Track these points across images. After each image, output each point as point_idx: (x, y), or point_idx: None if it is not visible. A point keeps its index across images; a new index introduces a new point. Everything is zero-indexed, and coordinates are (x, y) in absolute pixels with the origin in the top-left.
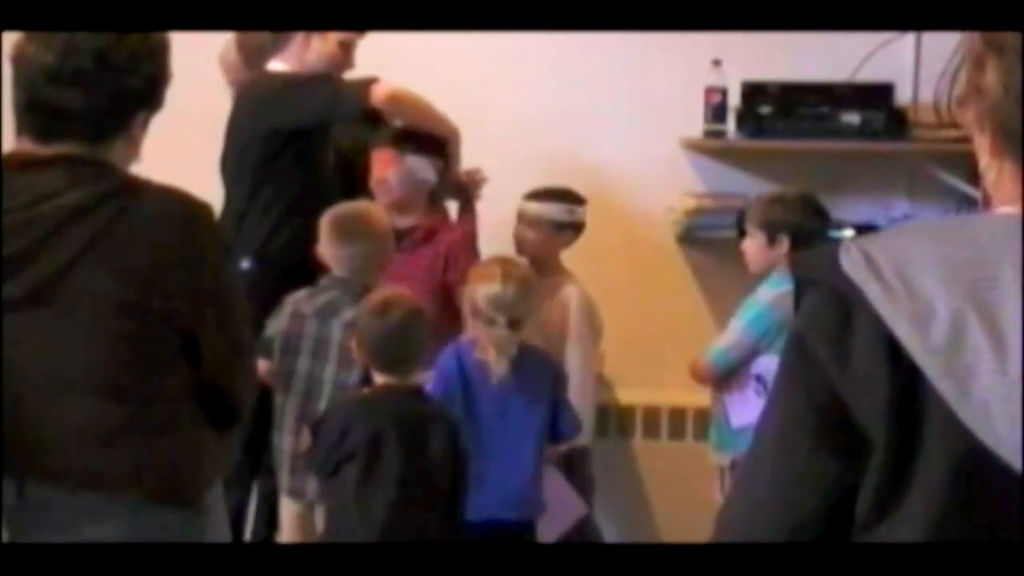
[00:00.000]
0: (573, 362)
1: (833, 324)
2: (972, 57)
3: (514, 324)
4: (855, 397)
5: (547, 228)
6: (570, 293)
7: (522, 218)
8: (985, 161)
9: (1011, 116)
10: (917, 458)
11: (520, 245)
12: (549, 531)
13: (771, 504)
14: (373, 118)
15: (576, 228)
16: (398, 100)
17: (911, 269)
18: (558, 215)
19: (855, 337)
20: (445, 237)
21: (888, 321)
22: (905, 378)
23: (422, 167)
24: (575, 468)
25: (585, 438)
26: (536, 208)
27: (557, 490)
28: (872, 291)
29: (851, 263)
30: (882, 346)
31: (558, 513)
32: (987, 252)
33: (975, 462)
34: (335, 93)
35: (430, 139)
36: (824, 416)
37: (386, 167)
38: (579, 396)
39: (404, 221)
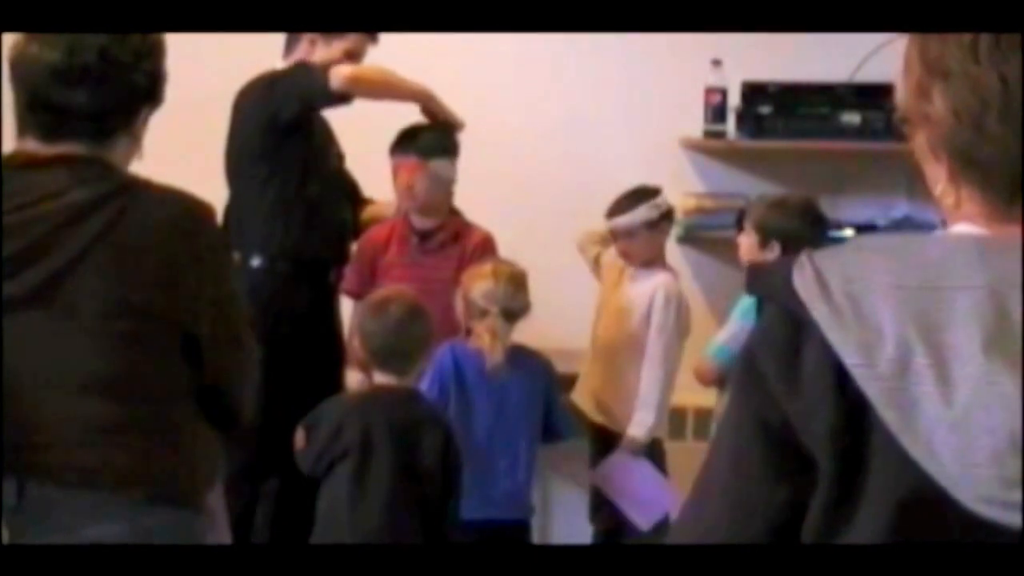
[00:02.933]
0: (651, 352)
1: (783, 344)
2: (913, 84)
3: (507, 315)
4: (803, 420)
5: (643, 232)
6: (659, 283)
7: (617, 235)
8: (942, 187)
9: (967, 143)
10: (863, 486)
11: (629, 258)
12: (643, 521)
13: (720, 527)
14: (344, 101)
15: (667, 217)
16: (359, 80)
17: (862, 291)
18: (647, 215)
19: (805, 358)
20: (469, 240)
21: (834, 345)
22: (853, 404)
23: (447, 168)
24: (652, 461)
25: (658, 430)
26: (625, 220)
27: (650, 482)
28: (820, 313)
29: (803, 281)
30: (831, 369)
31: (652, 505)
32: (939, 276)
33: (920, 493)
34: (305, 81)
35: (450, 137)
36: (774, 438)
37: (412, 174)
38: (650, 386)
39: (429, 222)
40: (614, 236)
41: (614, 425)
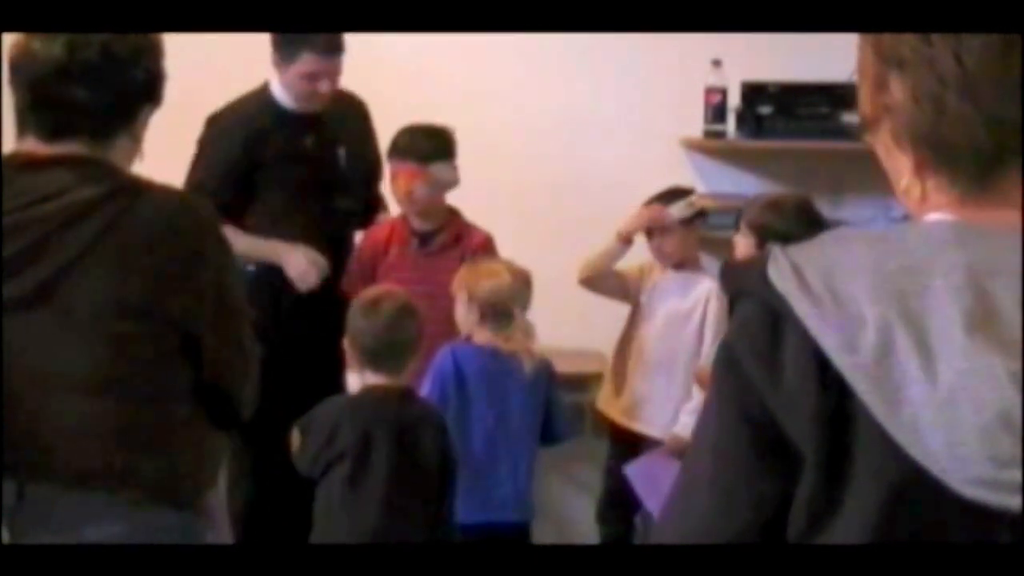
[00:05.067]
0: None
1: (762, 337)
2: (870, 81)
3: (509, 314)
4: (785, 412)
5: (679, 228)
6: (711, 291)
7: (652, 231)
8: (907, 180)
9: (930, 126)
10: (849, 473)
11: (662, 255)
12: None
13: (706, 521)
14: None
15: (701, 215)
16: None
17: (840, 279)
18: (681, 213)
19: (784, 350)
20: (470, 241)
21: (815, 334)
22: (835, 392)
23: (446, 171)
24: None
25: None
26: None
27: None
28: (799, 303)
29: (779, 273)
30: (811, 359)
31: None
32: (917, 261)
33: (907, 478)
34: None
35: (447, 139)
36: (757, 431)
37: (412, 180)
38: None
39: (429, 224)
40: (649, 234)
41: (651, 430)
